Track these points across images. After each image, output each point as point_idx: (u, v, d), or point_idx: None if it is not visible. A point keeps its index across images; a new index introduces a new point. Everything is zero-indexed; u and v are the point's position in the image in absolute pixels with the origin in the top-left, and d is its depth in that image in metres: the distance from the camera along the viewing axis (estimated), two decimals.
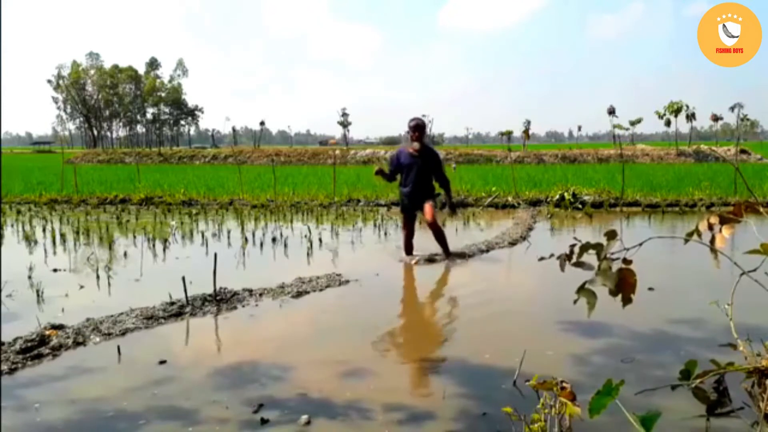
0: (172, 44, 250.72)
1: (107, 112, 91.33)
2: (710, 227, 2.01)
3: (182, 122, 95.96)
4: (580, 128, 69.57)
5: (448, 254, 6.34)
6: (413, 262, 6.24)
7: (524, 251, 7.05)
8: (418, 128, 6.26)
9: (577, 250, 1.97)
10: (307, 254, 6.91)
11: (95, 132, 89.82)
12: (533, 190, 13.22)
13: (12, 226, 9.64)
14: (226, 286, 4.88)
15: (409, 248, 6.45)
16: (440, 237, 6.32)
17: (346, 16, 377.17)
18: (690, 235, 2.03)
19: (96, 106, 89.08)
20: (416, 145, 6.26)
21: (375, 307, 4.76)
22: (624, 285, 1.91)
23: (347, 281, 5.41)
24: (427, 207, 6.27)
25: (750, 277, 2.12)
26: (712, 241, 1.99)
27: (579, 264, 1.97)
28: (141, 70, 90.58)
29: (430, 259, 6.30)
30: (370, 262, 6.12)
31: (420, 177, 6.34)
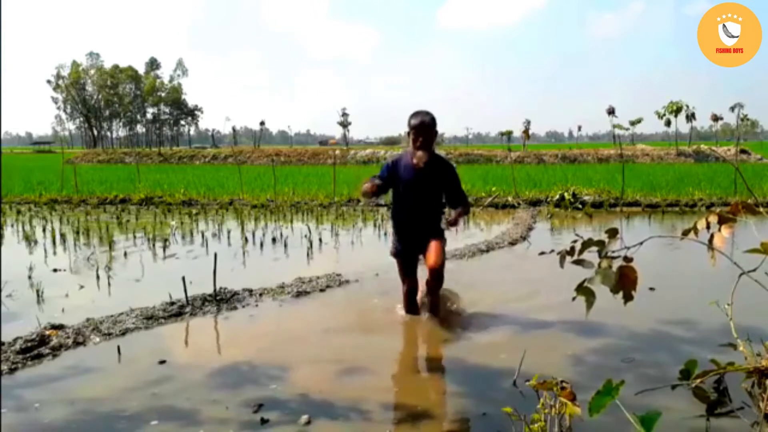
0: (172, 44, 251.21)
1: (107, 112, 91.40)
2: (708, 226, 2.01)
3: (182, 122, 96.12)
4: (580, 128, 69.54)
5: (436, 312, 4.24)
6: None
7: (524, 251, 7.05)
8: (422, 129, 3.95)
9: (578, 246, 1.97)
10: (307, 254, 6.91)
11: (95, 132, 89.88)
12: (533, 190, 13.22)
13: (12, 226, 9.64)
14: (226, 286, 4.88)
15: (413, 307, 4.30)
16: (437, 289, 4.19)
17: (345, 16, 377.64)
18: (687, 232, 2.03)
19: (96, 106, 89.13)
20: (421, 155, 3.92)
21: (375, 307, 4.76)
22: (625, 282, 1.90)
23: (347, 281, 5.41)
24: (434, 247, 4.02)
25: (750, 277, 2.12)
26: (711, 240, 1.99)
27: (579, 262, 1.97)
28: (141, 70, 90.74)
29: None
30: (370, 263, 6.11)
31: (424, 202, 4.13)
